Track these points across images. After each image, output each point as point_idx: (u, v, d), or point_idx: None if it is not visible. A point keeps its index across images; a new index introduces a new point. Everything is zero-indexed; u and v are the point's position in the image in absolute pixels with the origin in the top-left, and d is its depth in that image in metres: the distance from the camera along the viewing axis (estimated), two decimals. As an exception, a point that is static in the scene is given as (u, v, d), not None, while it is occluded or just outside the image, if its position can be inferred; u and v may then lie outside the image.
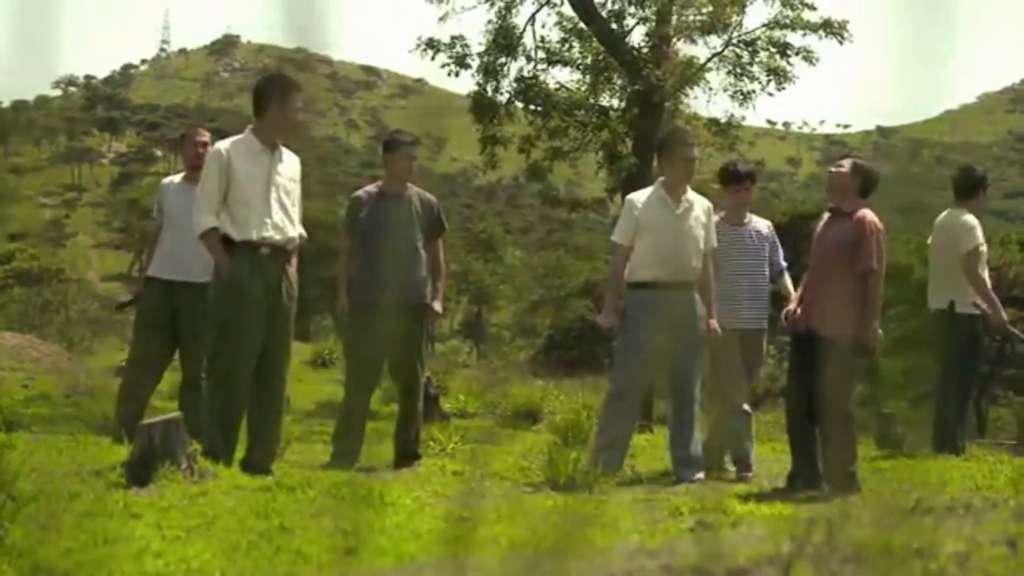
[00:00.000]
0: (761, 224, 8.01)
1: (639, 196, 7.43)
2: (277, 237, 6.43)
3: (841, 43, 15.97)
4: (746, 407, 7.78)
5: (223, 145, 6.51)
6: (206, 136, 8.15)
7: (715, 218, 7.67)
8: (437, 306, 7.85)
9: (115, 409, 7.91)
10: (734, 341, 7.52)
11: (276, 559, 3.92)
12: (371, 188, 7.95)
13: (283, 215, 6.47)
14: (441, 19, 16.54)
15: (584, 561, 2.84)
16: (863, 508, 4.73)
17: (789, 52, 15.96)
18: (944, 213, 8.68)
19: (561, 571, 2.73)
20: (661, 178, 7.44)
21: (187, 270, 7.73)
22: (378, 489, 5.23)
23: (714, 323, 7.34)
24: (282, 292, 6.47)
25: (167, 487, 5.16)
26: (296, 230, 6.61)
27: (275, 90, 6.51)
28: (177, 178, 8.18)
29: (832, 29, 15.76)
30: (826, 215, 6.84)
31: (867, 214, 6.52)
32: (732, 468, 7.69)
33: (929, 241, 8.83)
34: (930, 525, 3.01)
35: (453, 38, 16.33)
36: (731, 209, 7.90)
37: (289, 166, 6.60)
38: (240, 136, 6.58)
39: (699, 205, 7.37)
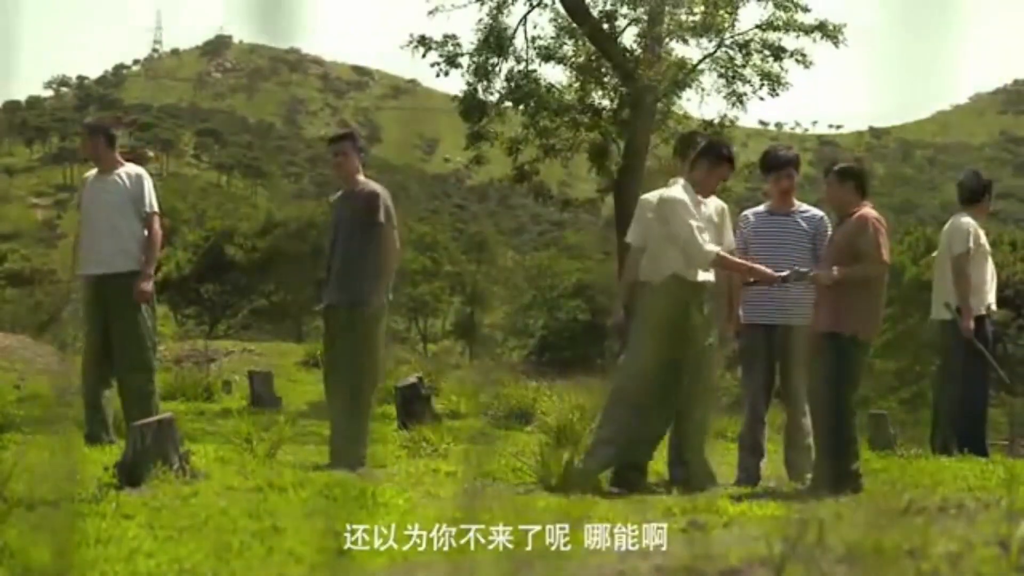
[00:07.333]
0: (811, 212, 7.45)
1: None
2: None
3: (837, 46, 15.99)
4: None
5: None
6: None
7: (760, 208, 7.57)
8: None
9: (84, 416, 7.83)
10: (798, 339, 7.03)
11: (268, 560, 3.92)
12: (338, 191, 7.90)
13: None
14: (431, 13, 16.48)
15: (577, 561, 2.83)
16: (855, 509, 4.73)
17: (782, 55, 15.95)
18: (949, 220, 8.71)
19: (554, 571, 2.72)
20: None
21: (108, 262, 7.72)
22: (371, 490, 5.23)
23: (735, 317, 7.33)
24: None
25: (159, 487, 5.16)
26: None
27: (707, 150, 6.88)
28: (95, 171, 8.15)
29: (827, 32, 15.78)
30: (837, 220, 6.80)
31: (868, 212, 6.54)
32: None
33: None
34: (922, 525, 3.01)
35: (445, 36, 16.30)
36: (774, 197, 7.48)
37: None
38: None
39: (711, 205, 7.22)
